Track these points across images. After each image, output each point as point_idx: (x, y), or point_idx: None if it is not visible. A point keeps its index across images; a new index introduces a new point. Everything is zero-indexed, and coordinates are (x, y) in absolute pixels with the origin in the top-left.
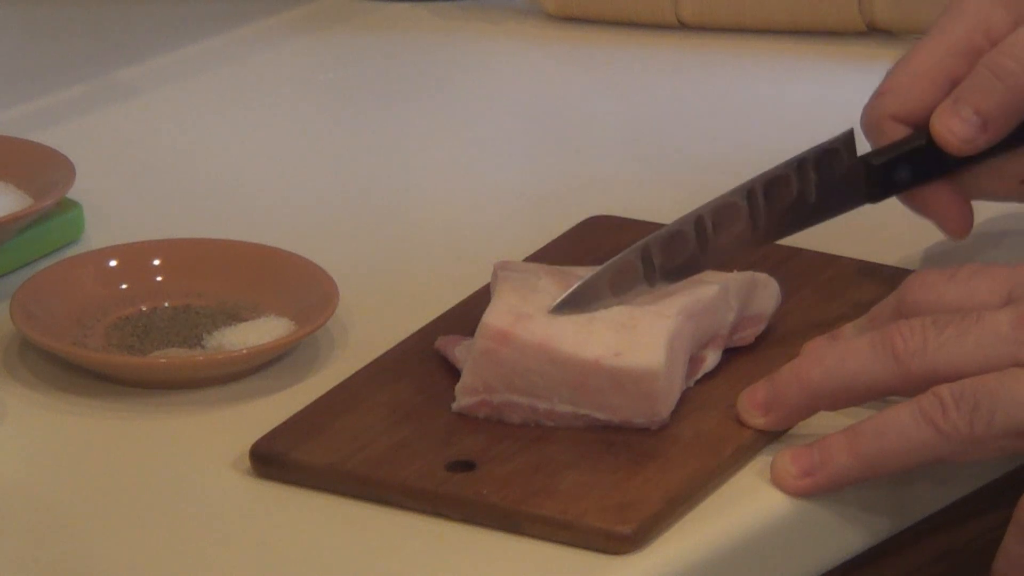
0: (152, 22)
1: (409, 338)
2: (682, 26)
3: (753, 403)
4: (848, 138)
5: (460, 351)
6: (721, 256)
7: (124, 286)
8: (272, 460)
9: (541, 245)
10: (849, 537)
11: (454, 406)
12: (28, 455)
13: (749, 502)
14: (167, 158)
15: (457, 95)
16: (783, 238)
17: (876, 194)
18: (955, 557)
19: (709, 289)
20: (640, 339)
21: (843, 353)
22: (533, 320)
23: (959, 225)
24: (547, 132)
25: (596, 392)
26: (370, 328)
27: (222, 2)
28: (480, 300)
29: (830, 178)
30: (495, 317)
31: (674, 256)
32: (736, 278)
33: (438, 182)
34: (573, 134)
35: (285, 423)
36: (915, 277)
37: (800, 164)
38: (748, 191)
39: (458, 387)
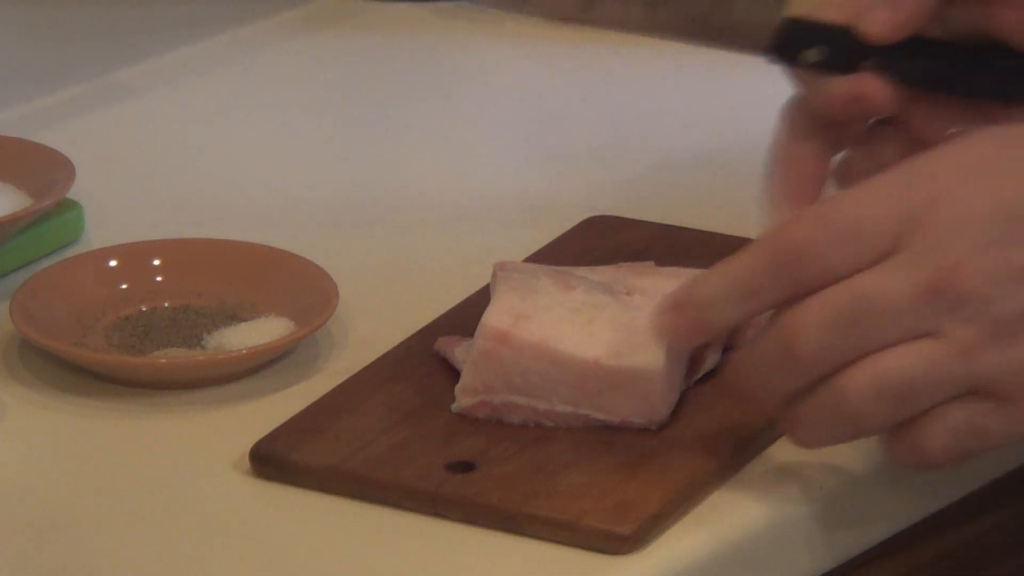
0: (152, 22)
1: (409, 338)
2: None
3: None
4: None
5: (460, 352)
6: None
7: (124, 286)
8: (272, 461)
9: (541, 245)
10: (849, 537)
11: (454, 407)
12: (28, 455)
13: (749, 502)
14: (167, 158)
15: (457, 95)
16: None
17: (778, 52)
18: (955, 557)
19: None
20: (640, 339)
21: (749, 361)
22: (533, 320)
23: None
24: (547, 132)
25: (596, 392)
26: (370, 328)
27: (222, 2)
28: (480, 300)
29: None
30: (495, 317)
31: None
32: None
33: (438, 182)
34: (573, 134)
35: (285, 424)
36: (787, 234)
37: None
38: None
39: (458, 387)
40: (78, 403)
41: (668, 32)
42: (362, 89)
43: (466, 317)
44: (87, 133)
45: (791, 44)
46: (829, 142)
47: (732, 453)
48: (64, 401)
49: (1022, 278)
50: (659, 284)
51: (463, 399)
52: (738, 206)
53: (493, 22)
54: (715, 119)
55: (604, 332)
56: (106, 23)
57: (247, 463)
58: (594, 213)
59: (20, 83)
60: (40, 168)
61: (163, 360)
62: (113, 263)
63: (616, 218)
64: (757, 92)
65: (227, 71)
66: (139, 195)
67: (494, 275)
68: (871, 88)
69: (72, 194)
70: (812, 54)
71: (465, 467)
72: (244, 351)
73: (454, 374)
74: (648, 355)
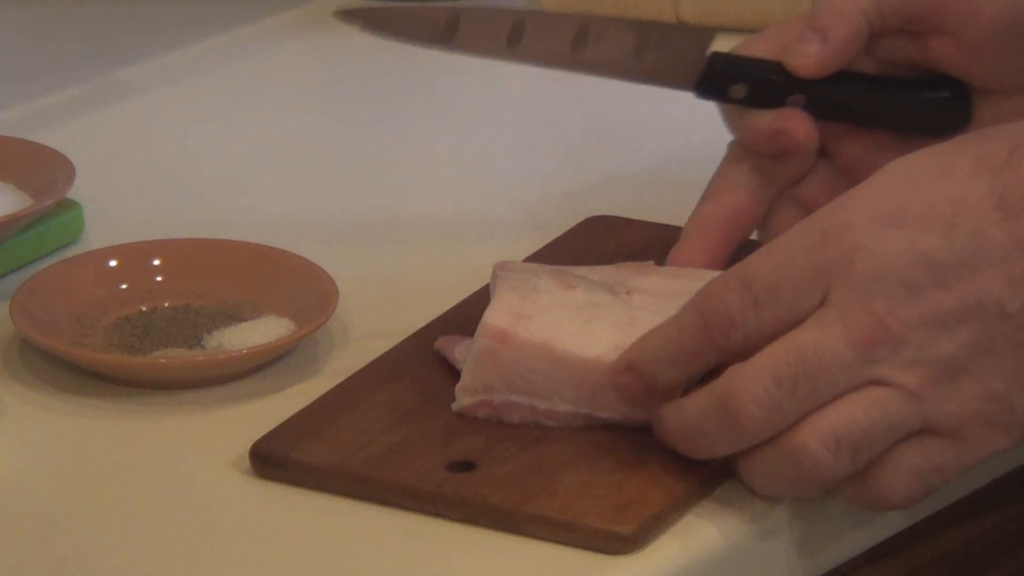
0: (152, 22)
1: (409, 338)
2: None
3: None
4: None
5: (460, 351)
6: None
7: (124, 286)
8: (272, 460)
9: (541, 245)
10: (849, 537)
11: (454, 406)
12: (27, 455)
13: (749, 502)
14: (167, 158)
15: (457, 95)
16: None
17: (704, 88)
18: (955, 557)
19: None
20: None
21: (683, 424)
22: (533, 320)
23: (804, 133)
24: (547, 132)
25: (597, 390)
26: (370, 328)
27: (222, 2)
28: (480, 300)
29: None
30: (495, 317)
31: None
32: None
33: (438, 182)
34: (573, 133)
35: (285, 423)
36: (712, 299)
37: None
38: (580, 25)
39: (458, 387)
40: (78, 403)
41: (599, 70)
42: (362, 89)
43: (466, 317)
44: (87, 133)
45: (718, 79)
46: (770, 177)
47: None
48: (64, 401)
49: (951, 320)
50: (659, 283)
51: (463, 398)
52: None
53: None
54: (715, 119)
55: (605, 331)
56: (106, 23)
57: (247, 462)
58: (594, 213)
59: (20, 83)
60: (40, 168)
61: (163, 360)
62: (113, 263)
63: (616, 218)
64: None
65: (227, 71)
66: (139, 195)
67: (494, 275)
68: (793, 123)
69: (72, 194)
70: (738, 89)
71: (465, 467)
72: (244, 351)
73: (454, 373)
74: None
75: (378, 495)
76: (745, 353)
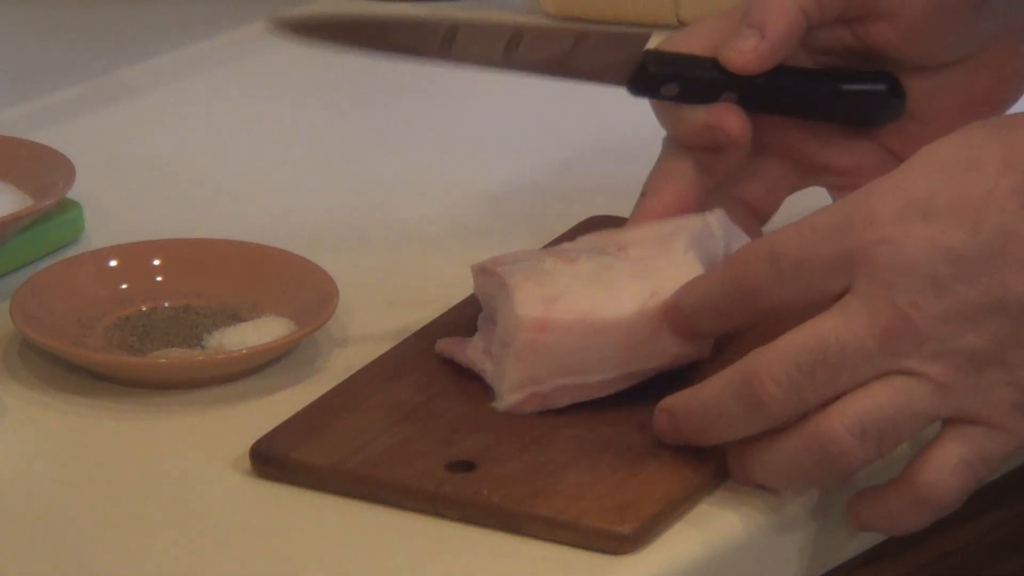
0: (152, 22)
1: (409, 338)
2: (682, 26)
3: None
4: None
5: (472, 352)
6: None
7: (124, 286)
8: (272, 460)
9: (541, 245)
10: (850, 537)
11: (500, 406)
12: (28, 455)
13: (750, 503)
14: (167, 158)
15: (457, 95)
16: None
17: (637, 86)
18: (955, 557)
19: (693, 219)
20: (663, 277)
21: (701, 405)
22: (561, 300)
23: (738, 128)
24: (546, 131)
25: (647, 342)
26: (370, 328)
27: (222, 2)
28: (479, 300)
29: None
30: (527, 308)
31: None
32: (714, 213)
33: (438, 181)
34: (573, 133)
35: (285, 423)
36: (741, 267)
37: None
38: (512, 32)
39: (504, 386)
40: (78, 403)
41: (534, 69)
42: (362, 89)
43: (466, 317)
44: (87, 133)
45: (651, 78)
46: (708, 169)
47: None
48: (64, 401)
49: (975, 314)
50: (644, 233)
51: (510, 396)
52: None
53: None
54: None
55: (627, 286)
56: (106, 23)
57: (247, 462)
58: (594, 213)
59: (20, 83)
60: (40, 168)
61: (163, 360)
62: (113, 263)
63: (616, 218)
64: None
65: (227, 71)
66: (139, 195)
67: (479, 277)
68: (726, 119)
69: (72, 194)
70: (671, 88)
71: (465, 466)
72: (244, 351)
73: (457, 374)
74: (684, 277)
75: (378, 495)
76: (775, 319)
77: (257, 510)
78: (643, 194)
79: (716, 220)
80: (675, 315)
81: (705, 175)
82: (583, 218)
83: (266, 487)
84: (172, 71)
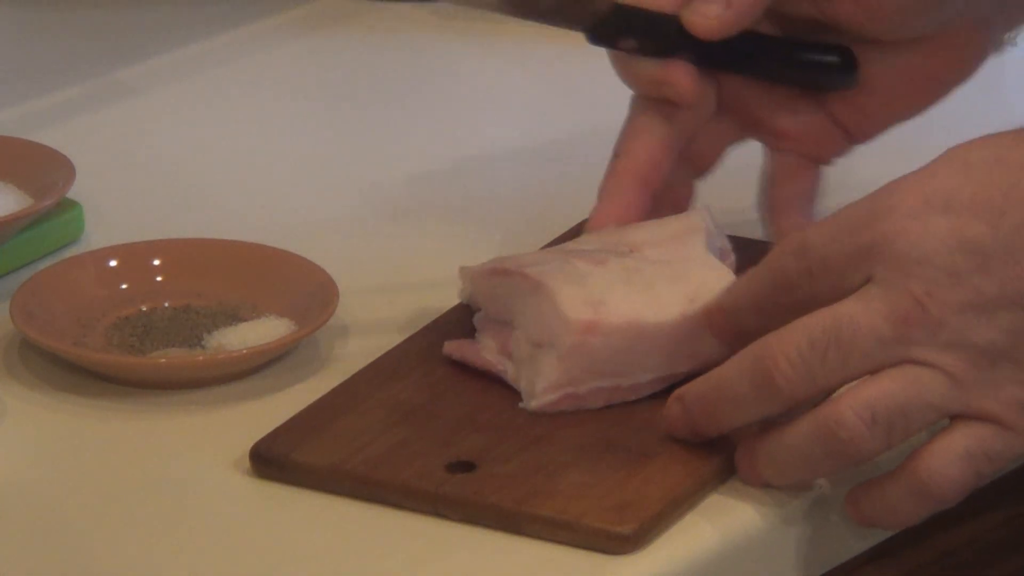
0: (152, 22)
1: (409, 338)
2: None
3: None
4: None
5: (488, 354)
6: None
7: (124, 286)
8: (272, 461)
9: (540, 245)
10: (850, 537)
11: (533, 405)
12: (28, 455)
13: (749, 502)
14: (167, 158)
15: (457, 95)
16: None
17: (597, 35)
18: (955, 557)
19: (693, 217)
20: (700, 276)
21: (713, 387)
22: (607, 304)
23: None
24: (546, 131)
25: (687, 345)
26: (370, 328)
27: (222, 2)
28: None
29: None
30: (575, 311)
31: None
32: (704, 209)
33: (438, 182)
34: (574, 133)
35: (285, 424)
36: (777, 261)
37: None
38: None
39: (539, 386)
40: (78, 403)
41: (496, 6)
42: (362, 89)
43: (466, 317)
44: (87, 133)
45: (612, 29)
46: (677, 123)
47: (732, 453)
48: (64, 401)
49: (992, 306)
50: (650, 235)
51: (545, 396)
52: (738, 205)
53: (494, 22)
54: None
55: (668, 289)
56: (106, 23)
57: (247, 463)
58: None
59: (20, 83)
60: (40, 168)
61: (163, 360)
62: (113, 263)
63: None
64: None
65: (227, 71)
66: (139, 195)
67: (501, 276)
68: (677, 76)
69: (72, 194)
70: (629, 43)
71: (465, 467)
72: (244, 351)
73: (455, 374)
74: (720, 283)
75: (378, 495)
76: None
77: (257, 511)
78: (615, 155)
79: (709, 216)
80: (718, 317)
81: (674, 129)
82: (584, 218)
83: (266, 488)
84: (172, 71)
